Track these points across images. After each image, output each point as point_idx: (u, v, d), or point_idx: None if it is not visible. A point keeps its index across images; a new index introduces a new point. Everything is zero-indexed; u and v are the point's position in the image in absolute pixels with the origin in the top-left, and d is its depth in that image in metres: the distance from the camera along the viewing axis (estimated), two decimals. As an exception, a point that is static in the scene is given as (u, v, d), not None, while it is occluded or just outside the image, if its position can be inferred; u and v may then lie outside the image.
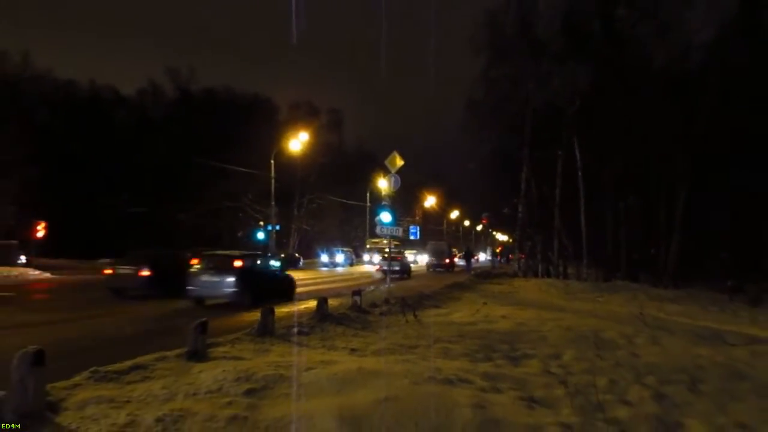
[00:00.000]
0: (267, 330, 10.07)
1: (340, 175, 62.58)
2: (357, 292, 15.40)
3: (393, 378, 6.61)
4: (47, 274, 30.52)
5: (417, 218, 79.79)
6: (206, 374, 6.85)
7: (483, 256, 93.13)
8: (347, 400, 5.87)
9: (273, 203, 43.56)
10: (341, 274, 38.89)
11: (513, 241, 52.57)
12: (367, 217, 59.45)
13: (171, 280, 18.76)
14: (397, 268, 36.06)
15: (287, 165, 47.91)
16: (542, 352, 10.01)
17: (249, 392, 6.26)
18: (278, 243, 48.69)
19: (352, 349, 9.48)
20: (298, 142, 43.99)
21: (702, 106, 30.64)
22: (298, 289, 20.89)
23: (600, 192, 34.95)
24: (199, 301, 17.63)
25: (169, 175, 55.52)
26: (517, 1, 35.86)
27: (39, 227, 34.19)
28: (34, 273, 30.40)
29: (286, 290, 19.74)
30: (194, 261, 19.03)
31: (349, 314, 13.51)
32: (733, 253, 32.11)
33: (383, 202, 24.87)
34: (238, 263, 18.08)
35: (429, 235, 76.56)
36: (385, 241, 41.95)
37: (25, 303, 18.72)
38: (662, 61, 34.90)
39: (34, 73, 61.83)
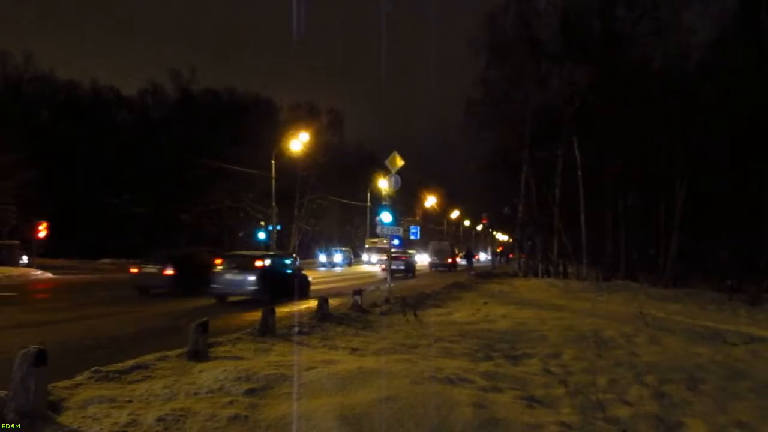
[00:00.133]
0: (268, 330, 10.10)
1: (340, 175, 62.61)
2: (358, 292, 15.42)
3: (393, 377, 6.63)
4: (49, 274, 30.55)
5: (417, 218, 79.75)
6: (207, 374, 6.87)
7: (484, 256, 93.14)
8: (348, 399, 5.89)
9: (274, 203, 43.59)
10: (339, 274, 38.92)
11: (513, 240, 52.64)
12: (368, 217, 59.49)
13: (193, 278, 19.93)
14: (402, 267, 37.27)
15: (288, 165, 47.92)
16: (542, 351, 10.03)
17: (250, 392, 6.28)
18: (279, 243, 48.69)
19: (353, 349, 9.49)
20: (298, 142, 44.01)
21: (701, 106, 30.63)
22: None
23: (600, 192, 34.93)
24: (222, 298, 18.54)
25: (170, 175, 55.53)
26: (516, 1, 35.89)
27: (41, 227, 34.19)
28: (35, 273, 30.43)
29: (301, 288, 20.33)
30: (218, 261, 20.18)
31: (349, 314, 13.54)
32: (732, 253, 32.09)
33: (384, 202, 24.94)
34: (259, 263, 19.23)
35: (429, 235, 76.51)
36: (385, 241, 42.20)
37: (27, 303, 18.76)
38: (661, 60, 34.93)
39: (35, 74, 62.13)
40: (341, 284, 26.32)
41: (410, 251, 43.41)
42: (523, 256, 45.60)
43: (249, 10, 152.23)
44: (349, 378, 6.67)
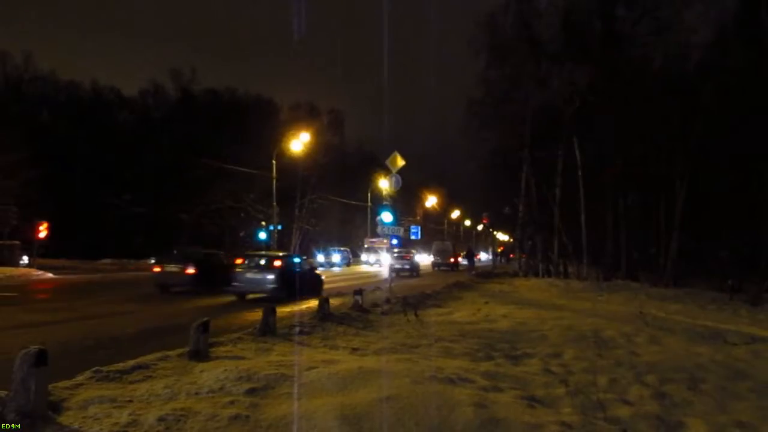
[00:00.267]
0: (268, 329, 10.10)
1: (341, 175, 62.57)
2: (358, 292, 15.43)
3: (394, 377, 6.63)
4: (50, 275, 30.54)
5: (418, 218, 79.75)
6: (208, 374, 6.88)
7: (485, 256, 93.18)
8: (348, 399, 5.89)
9: (275, 203, 43.58)
10: (338, 274, 38.93)
11: (513, 240, 52.66)
12: (368, 216, 59.45)
13: (213, 277, 21.30)
14: (407, 267, 39.48)
15: (289, 165, 47.88)
16: (543, 351, 10.04)
17: (251, 391, 6.28)
18: (280, 243, 48.68)
19: (354, 349, 9.50)
20: (299, 142, 43.98)
21: (701, 106, 30.62)
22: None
23: (600, 191, 34.93)
24: (242, 295, 19.63)
25: (171, 175, 55.56)
26: (517, 1, 35.90)
27: (41, 228, 34.18)
28: (36, 273, 30.43)
29: (315, 287, 21.75)
30: (238, 260, 21.72)
31: (350, 314, 13.55)
32: (732, 252, 32.09)
33: (384, 202, 24.97)
34: (277, 263, 20.48)
35: (430, 235, 76.51)
36: (385, 241, 42.50)
37: (28, 303, 18.76)
38: (662, 60, 34.95)
39: (36, 74, 62.25)
40: (341, 284, 26.34)
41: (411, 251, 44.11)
42: (524, 255, 45.64)
43: (250, 10, 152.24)
44: (349, 378, 6.67)
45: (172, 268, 21.90)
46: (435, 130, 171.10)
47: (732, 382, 8.35)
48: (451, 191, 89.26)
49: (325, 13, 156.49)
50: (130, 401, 5.81)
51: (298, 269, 21.67)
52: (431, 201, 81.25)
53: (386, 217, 22.83)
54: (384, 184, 30.85)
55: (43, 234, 34.47)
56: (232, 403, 5.84)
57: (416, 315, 13.80)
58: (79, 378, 6.44)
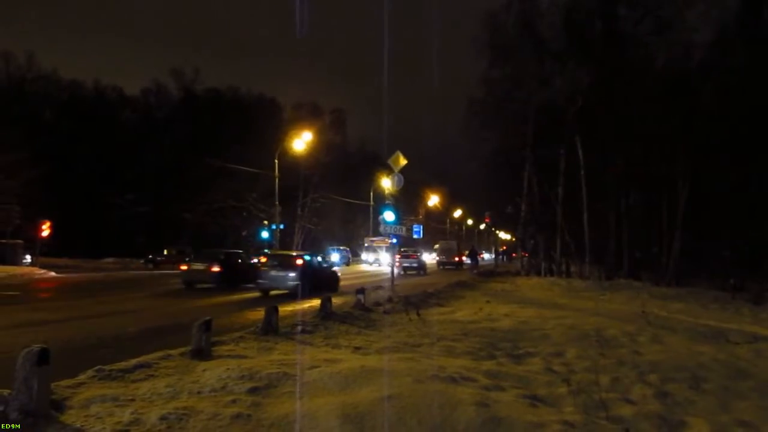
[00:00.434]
0: (271, 328, 10.11)
1: (343, 174, 62.58)
2: (360, 291, 15.44)
3: (396, 376, 6.63)
4: (52, 273, 30.60)
5: (420, 217, 79.64)
6: (210, 372, 6.88)
7: (488, 256, 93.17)
8: (351, 398, 5.89)
9: (277, 202, 43.57)
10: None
11: (516, 239, 52.65)
12: (371, 216, 59.41)
13: (235, 275, 23.32)
14: (415, 265, 41.28)
15: (291, 164, 47.85)
16: (545, 350, 10.03)
17: (253, 390, 6.28)
18: (282, 242, 48.67)
19: (356, 348, 9.50)
20: (301, 141, 43.95)
21: (703, 105, 30.59)
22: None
23: (602, 191, 34.90)
24: (266, 292, 21.07)
25: (173, 174, 55.64)
26: (519, 0, 35.88)
27: (44, 227, 34.24)
28: (39, 272, 30.48)
29: (332, 283, 23.18)
30: (263, 259, 23.79)
31: (352, 313, 13.54)
32: (735, 251, 32.07)
33: (387, 201, 25.02)
34: (299, 261, 21.89)
35: (432, 234, 76.46)
36: (386, 240, 42.87)
37: (30, 302, 18.79)
38: (664, 59, 34.94)
39: (38, 74, 62.36)
40: (343, 283, 26.34)
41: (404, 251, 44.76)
42: (526, 254, 45.62)
43: (252, 9, 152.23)
44: (351, 377, 6.67)
45: (198, 266, 23.56)
46: (437, 129, 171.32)
47: (734, 382, 8.34)
48: (453, 190, 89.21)
49: (328, 12, 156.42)
50: (133, 400, 5.81)
51: (317, 267, 23.58)
52: (433, 200, 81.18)
53: (388, 216, 22.86)
54: (386, 183, 30.87)
55: (45, 233, 34.54)
56: (234, 402, 5.84)
57: (418, 314, 13.80)
58: (82, 377, 6.45)
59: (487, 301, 18.74)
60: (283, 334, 10.17)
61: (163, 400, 5.89)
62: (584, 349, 10.13)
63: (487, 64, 36.98)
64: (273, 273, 21.43)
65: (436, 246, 63.94)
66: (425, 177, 77.76)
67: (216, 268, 23.04)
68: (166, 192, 54.43)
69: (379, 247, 52.79)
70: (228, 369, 6.93)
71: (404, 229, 26.41)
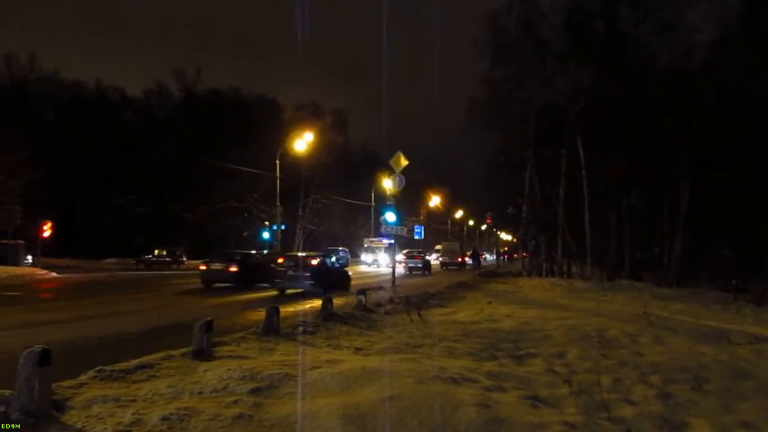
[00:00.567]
0: (272, 329, 10.10)
1: (344, 174, 62.57)
2: (362, 291, 15.43)
3: (397, 377, 6.63)
4: (53, 274, 30.62)
5: (421, 218, 79.65)
6: (212, 373, 6.87)
7: (491, 257, 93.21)
8: (352, 398, 5.88)
9: (278, 203, 43.59)
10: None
11: (517, 240, 52.70)
12: (372, 216, 59.41)
13: (250, 275, 24.24)
14: (420, 265, 42.37)
15: (292, 165, 47.92)
16: (546, 351, 10.02)
17: (254, 391, 6.27)
18: (283, 242, 48.69)
19: (357, 348, 9.49)
20: (303, 142, 44.00)
21: (705, 105, 30.56)
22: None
23: (604, 191, 34.90)
24: (283, 291, 22.01)
25: (174, 175, 55.68)
26: (520, 1, 35.89)
27: (45, 227, 34.29)
28: (40, 272, 30.52)
29: (344, 283, 24.05)
30: (280, 260, 24.18)
31: (353, 313, 13.53)
32: (737, 252, 32.05)
33: (388, 202, 25.11)
34: (314, 262, 23.25)
35: (433, 235, 76.44)
36: (385, 241, 44.04)
37: (32, 302, 18.80)
38: (665, 60, 34.93)
39: (40, 74, 62.38)
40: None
41: (404, 251, 46.52)
42: (527, 255, 45.65)
43: (254, 10, 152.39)
44: (353, 377, 6.67)
45: (217, 266, 24.46)
46: (438, 130, 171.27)
47: (736, 382, 8.33)
48: (454, 191, 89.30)
49: (329, 13, 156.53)
50: (134, 400, 5.81)
51: (330, 267, 24.82)
52: (434, 201, 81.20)
53: (390, 216, 22.91)
54: (387, 184, 30.90)
55: (46, 233, 34.59)
56: (235, 402, 5.84)
57: (419, 315, 13.79)
58: (83, 377, 6.44)
59: (489, 302, 18.72)
60: (284, 334, 10.16)
61: (164, 400, 5.88)
62: (586, 349, 10.12)
63: (488, 65, 37.09)
64: (290, 273, 22.47)
65: (437, 247, 64.02)
66: (426, 177, 77.88)
67: (233, 268, 24.04)
68: (167, 192, 54.45)
69: (378, 248, 52.88)
70: (229, 369, 6.93)
71: (405, 229, 26.66)
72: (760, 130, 28.98)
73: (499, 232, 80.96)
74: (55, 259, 38.99)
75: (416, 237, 45.35)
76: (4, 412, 4.93)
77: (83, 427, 5.04)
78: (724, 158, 31.29)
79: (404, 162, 23.65)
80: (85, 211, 52.88)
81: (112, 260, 45.36)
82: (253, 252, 31.09)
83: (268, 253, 30.76)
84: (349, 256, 57.55)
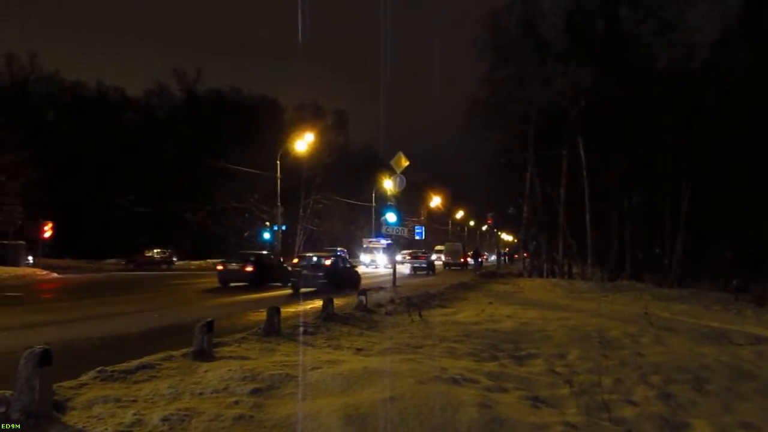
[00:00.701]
0: (273, 329, 10.09)
1: (345, 175, 62.57)
2: (362, 292, 15.43)
3: (398, 377, 6.62)
4: (54, 274, 30.61)
5: (422, 218, 79.66)
6: (212, 374, 6.87)
7: (493, 257, 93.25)
8: (353, 399, 5.88)
9: (279, 203, 43.61)
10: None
11: (518, 240, 52.78)
12: (373, 217, 59.41)
13: (265, 274, 25.47)
14: (424, 265, 43.50)
15: (293, 165, 47.96)
16: (547, 351, 10.02)
17: (255, 391, 6.27)
18: (284, 243, 48.71)
19: (358, 349, 9.49)
20: (304, 142, 44.04)
21: (706, 106, 30.55)
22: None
23: (604, 191, 34.89)
24: (297, 289, 22.69)
25: (175, 175, 55.68)
26: (521, 1, 35.89)
27: (46, 227, 34.28)
28: (41, 273, 30.51)
29: (355, 282, 24.76)
30: (295, 260, 26.31)
31: (354, 314, 13.52)
32: (737, 252, 32.02)
33: (389, 203, 25.19)
34: (327, 262, 24.64)
35: (434, 235, 76.42)
36: (383, 241, 44.77)
37: (33, 303, 18.80)
38: (666, 60, 34.92)
39: (41, 74, 62.35)
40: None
41: (405, 252, 48.20)
42: (528, 255, 45.67)
43: (254, 10, 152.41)
44: (353, 378, 6.66)
45: (233, 266, 25.55)
46: (439, 130, 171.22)
47: (737, 383, 8.33)
48: (455, 191, 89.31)
49: (329, 13, 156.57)
50: (135, 401, 5.80)
51: (342, 267, 26.04)
52: (435, 201, 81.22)
53: (390, 217, 22.94)
54: (388, 185, 30.91)
55: (47, 234, 34.57)
56: (236, 403, 5.83)
57: (420, 315, 13.78)
58: (84, 378, 6.44)
59: (490, 303, 18.71)
60: (285, 335, 10.16)
61: (165, 401, 5.88)
62: (586, 350, 10.11)
63: (488, 65, 37.08)
64: (305, 272, 23.67)
65: (437, 247, 64.08)
66: (427, 178, 77.88)
67: (249, 268, 25.11)
68: (168, 193, 54.43)
69: (376, 248, 52.98)
70: (230, 370, 6.93)
71: (406, 230, 26.89)
72: (760, 130, 28.95)
73: (499, 233, 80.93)
74: (55, 260, 38.97)
75: (417, 237, 45.45)
76: (5, 413, 4.93)
77: (84, 427, 5.04)
78: (724, 158, 31.26)
79: (405, 162, 23.68)
80: (86, 212, 52.84)
81: (112, 261, 45.34)
82: (266, 252, 32.65)
83: (266, 254, 31.13)
84: (347, 257, 57.43)
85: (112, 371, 6.75)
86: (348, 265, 27.92)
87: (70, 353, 8.71)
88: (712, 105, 31.33)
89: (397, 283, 25.01)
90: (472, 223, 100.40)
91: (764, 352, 10.88)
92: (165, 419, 5.18)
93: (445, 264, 54.31)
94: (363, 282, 27.78)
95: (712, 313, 20.19)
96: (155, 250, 44.67)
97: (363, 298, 14.96)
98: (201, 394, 6.19)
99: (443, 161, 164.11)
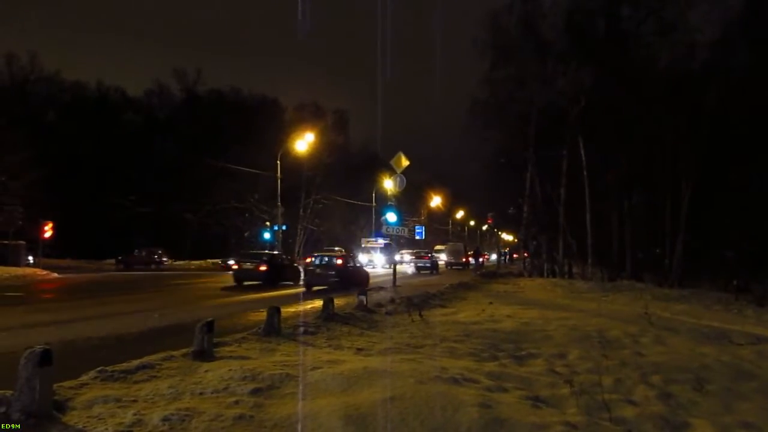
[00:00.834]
0: (273, 329, 10.09)
1: (345, 175, 62.50)
2: (362, 292, 15.42)
3: (399, 377, 6.62)
4: (55, 275, 30.61)
5: (422, 218, 79.61)
6: (213, 373, 6.87)
7: (494, 257, 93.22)
8: (353, 399, 5.88)
9: (279, 203, 43.60)
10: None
11: (518, 240, 52.88)
12: (373, 217, 59.37)
13: (277, 273, 26.42)
14: (428, 265, 44.82)
15: (293, 165, 47.90)
16: (547, 351, 10.02)
17: (255, 391, 6.27)
18: (284, 243, 48.70)
19: (358, 349, 9.49)
20: (304, 142, 44.01)
21: (707, 105, 30.54)
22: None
23: (605, 191, 34.87)
24: (310, 287, 23.92)
25: (175, 175, 55.68)
26: (521, 1, 35.88)
27: (46, 227, 34.25)
28: (41, 273, 30.50)
29: (364, 280, 25.48)
30: (308, 259, 27.91)
31: (354, 314, 13.52)
32: (738, 253, 32.00)
33: (389, 203, 25.24)
34: (339, 262, 25.78)
35: (434, 235, 76.37)
36: (380, 240, 45.27)
37: (33, 303, 18.80)
38: (666, 60, 34.91)
39: (41, 75, 62.37)
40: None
41: (404, 252, 49.92)
42: (528, 255, 45.66)
43: (254, 10, 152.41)
44: (354, 378, 6.66)
45: (248, 265, 26.48)
46: (439, 130, 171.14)
47: (737, 383, 8.34)
48: (455, 191, 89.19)
49: (329, 13, 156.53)
50: (135, 401, 5.80)
51: (352, 267, 27.00)
52: (435, 201, 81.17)
53: (391, 217, 22.95)
54: (388, 185, 30.94)
55: (48, 234, 34.55)
56: (236, 403, 5.83)
57: (421, 315, 13.78)
58: (84, 378, 6.44)
59: (490, 302, 18.70)
60: (285, 335, 10.16)
61: (165, 401, 5.88)
62: (587, 350, 10.11)
63: (489, 65, 37.05)
64: (318, 271, 24.95)
65: (436, 247, 64.11)
66: (427, 178, 77.84)
67: (263, 267, 25.94)
68: (168, 193, 54.42)
69: (373, 248, 53.03)
70: (230, 370, 6.93)
71: (406, 230, 27.17)
72: (760, 130, 28.94)
73: (500, 233, 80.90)
74: (56, 260, 38.96)
75: (417, 237, 45.43)
76: (5, 413, 4.93)
77: (84, 427, 5.04)
78: (726, 158, 31.24)
79: (405, 162, 23.67)
80: (86, 212, 52.82)
81: (112, 261, 45.33)
82: (277, 253, 33.95)
83: (278, 254, 32.56)
84: (356, 257, 57.38)
85: (113, 371, 6.75)
86: (358, 265, 29.09)
87: (71, 353, 8.70)
88: (712, 105, 31.29)
89: (397, 283, 25.01)
90: (472, 222, 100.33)
91: (765, 352, 10.88)
92: (165, 419, 5.18)
93: (447, 264, 54.99)
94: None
95: (712, 313, 20.19)
96: (144, 250, 44.51)
97: (363, 297, 14.95)
98: (201, 394, 6.19)
99: (443, 161, 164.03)
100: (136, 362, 7.23)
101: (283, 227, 48.44)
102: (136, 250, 44.34)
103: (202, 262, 49.88)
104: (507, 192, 44.48)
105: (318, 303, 14.13)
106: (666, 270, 33.67)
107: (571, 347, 10.34)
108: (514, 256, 75.06)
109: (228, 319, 13.37)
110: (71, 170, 53.90)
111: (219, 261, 47.40)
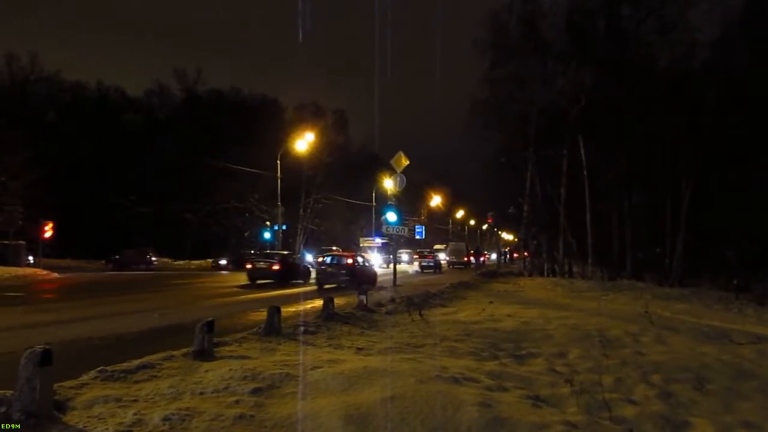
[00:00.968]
0: (273, 329, 10.09)
1: (346, 174, 62.50)
2: (363, 291, 15.42)
3: (399, 377, 6.62)
4: (55, 274, 30.61)
5: (422, 218, 79.56)
6: (213, 373, 6.87)
7: (495, 256, 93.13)
8: (353, 398, 5.88)
9: (279, 203, 43.59)
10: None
11: (518, 240, 53.02)
12: (373, 216, 59.35)
13: (289, 272, 27.46)
14: (431, 264, 46.49)
15: (293, 165, 47.88)
16: (548, 350, 10.02)
17: (255, 391, 6.27)
18: (284, 243, 48.67)
19: (358, 348, 9.49)
20: (304, 142, 44.00)
21: (707, 105, 30.53)
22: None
23: (605, 191, 34.87)
24: (321, 285, 25.00)
25: (175, 175, 55.66)
26: (521, 0, 35.88)
27: (46, 227, 34.24)
28: (42, 273, 30.50)
29: (373, 279, 26.93)
30: (320, 258, 28.75)
31: (355, 313, 13.52)
32: (739, 252, 31.99)
33: (389, 202, 25.22)
34: (349, 261, 26.78)
35: (434, 235, 76.36)
36: (377, 240, 46.02)
37: (33, 303, 18.79)
38: (666, 59, 34.91)
39: (41, 75, 62.42)
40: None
41: (404, 251, 51.59)
42: (528, 255, 45.70)
43: (254, 10, 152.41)
44: (354, 377, 6.66)
45: (262, 264, 27.51)
46: (439, 130, 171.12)
47: (738, 382, 8.33)
48: (455, 191, 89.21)
49: (329, 13, 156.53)
50: (135, 401, 5.80)
51: (362, 264, 27.95)
52: (435, 200, 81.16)
53: (391, 216, 22.93)
54: (388, 184, 30.99)
55: (48, 234, 34.53)
56: (236, 402, 5.83)
57: (421, 315, 13.78)
58: (84, 377, 6.44)
59: (490, 302, 18.70)
60: (285, 334, 10.15)
61: (165, 400, 5.88)
62: (587, 349, 10.11)
63: (489, 65, 37.07)
64: (329, 270, 25.98)
65: (436, 247, 64.30)
66: (427, 177, 77.89)
67: (276, 267, 26.96)
68: (168, 193, 54.39)
69: (371, 247, 53.18)
70: (231, 370, 6.93)
71: (406, 229, 27.59)
72: (760, 130, 28.93)
73: (500, 232, 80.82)
74: (56, 260, 38.96)
75: (417, 237, 45.40)
76: (6, 413, 4.93)
77: (85, 427, 5.04)
78: (726, 157, 31.23)
79: (405, 162, 23.66)
80: (86, 212, 52.83)
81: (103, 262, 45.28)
82: (288, 253, 35.28)
83: (289, 254, 33.84)
84: (365, 256, 57.38)
85: (113, 371, 6.75)
86: (367, 264, 29.87)
87: (71, 353, 8.70)
88: (712, 105, 31.28)
89: (398, 282, 25.00)
90: (472, 222, 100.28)
91: (765, 351, 10.87)
92: (166, 419, 5.18)
93: (449, 263, 56.06)
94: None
95: (712, 312, 20.18)
96: (135, 251, 44.32)
97: (363, 297, 14.95)
98: (201, 393, 6.18)
99: (443, 161, 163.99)
100: (136, 362, 7.23)
101: (283, 227, 48.42)
102: (126, 250, 44.11)
103: (202, 261, 49.91)
104: (507, 191, 44.48)
105: (318, 303, 14.13)
106: (666, 269, 33.67)
107: (571, 346, 10.34)
108: (515, 255, 75.06)
109: (228, 319, 13.36)
110: (71, 170, 53.92)
111: (210, 261, 47.65)
